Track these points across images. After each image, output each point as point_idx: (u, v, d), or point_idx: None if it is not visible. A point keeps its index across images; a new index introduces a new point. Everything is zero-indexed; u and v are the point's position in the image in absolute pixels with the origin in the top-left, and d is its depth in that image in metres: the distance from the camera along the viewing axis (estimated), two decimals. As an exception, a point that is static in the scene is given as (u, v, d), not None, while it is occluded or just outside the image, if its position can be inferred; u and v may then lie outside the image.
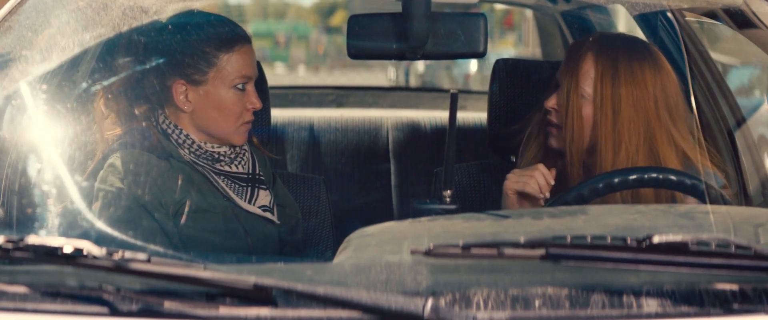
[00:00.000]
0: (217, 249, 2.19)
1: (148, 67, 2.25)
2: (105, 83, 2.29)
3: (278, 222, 2.36)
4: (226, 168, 2.30)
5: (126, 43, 2.26)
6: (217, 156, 2.29)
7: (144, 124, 2.25)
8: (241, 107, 2.27)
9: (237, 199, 2.28)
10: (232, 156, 2.32)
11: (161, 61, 2.25)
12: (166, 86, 2.25)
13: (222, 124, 2.27)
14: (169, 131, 2.26)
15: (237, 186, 2.30)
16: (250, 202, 2.31)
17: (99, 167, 2.15)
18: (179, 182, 2.19)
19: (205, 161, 2.27)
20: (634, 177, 2.14)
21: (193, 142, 2.27)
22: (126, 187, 2.12)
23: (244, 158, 2.35)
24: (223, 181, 2.28)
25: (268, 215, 2.33)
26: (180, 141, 2.26)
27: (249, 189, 2.32)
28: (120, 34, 2.19)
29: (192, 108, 2.26)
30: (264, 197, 2.35)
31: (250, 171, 2.35)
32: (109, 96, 2.26)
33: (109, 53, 2.31)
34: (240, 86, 2.27)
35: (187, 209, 2.17)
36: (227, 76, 2.25)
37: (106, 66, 2.32)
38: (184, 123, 2.27)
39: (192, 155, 2.26)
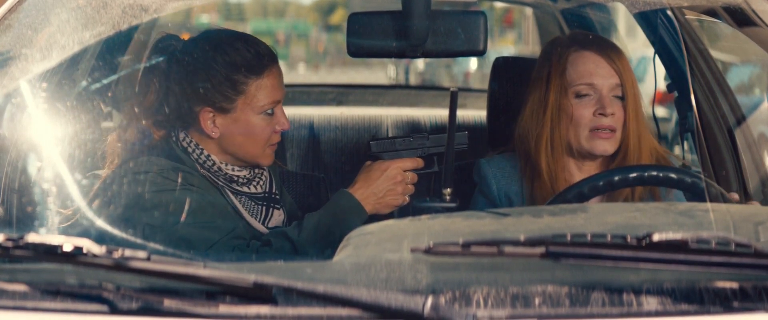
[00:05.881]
0: None
1: (174, 93, 2.18)
2: (133, 94, 2.22)
3: None
4: (245, 188, 2.25)
5: (150, 66, 2.21)
6: (234, 178, 2.24)
7: (163, 142, 2.20)
8: (269, 131, 2.22)
9: (251, 220, 2.23)
10: (250, 177, 2.27)
11: (187, 88, 2.18)
12: (194, 112, 2.18)
13: (250, 148, 2.22)
14: (190, 149, 2.20)
15: (253, 205, 2.25)
16: (263, 223, 2.26)
17: (118, 173, 2.12)
18: (194, 198, 2.14)
19: (222, 180, 2.22)
20: (634, 175, 2.15)
21: (214, 163, 2.21)
22: (143, 196, 2.08)
23: (262, 178, 2.30)
24: (238, 200, 2.23)
25: None
26: (201, 160, 2.21)
27: (264, 209, 2.27)
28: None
29: (219, 134, 2.19)
30: (277, 217, 2.30)
31: (267, 191, 2.31)
32: (134, 110, 2.22)
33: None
34: (269, 111, 2.21)
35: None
36: (257, 103, 2.19)
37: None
38: (209, 146, 2.21)
39: (208, 172, 2.21)
